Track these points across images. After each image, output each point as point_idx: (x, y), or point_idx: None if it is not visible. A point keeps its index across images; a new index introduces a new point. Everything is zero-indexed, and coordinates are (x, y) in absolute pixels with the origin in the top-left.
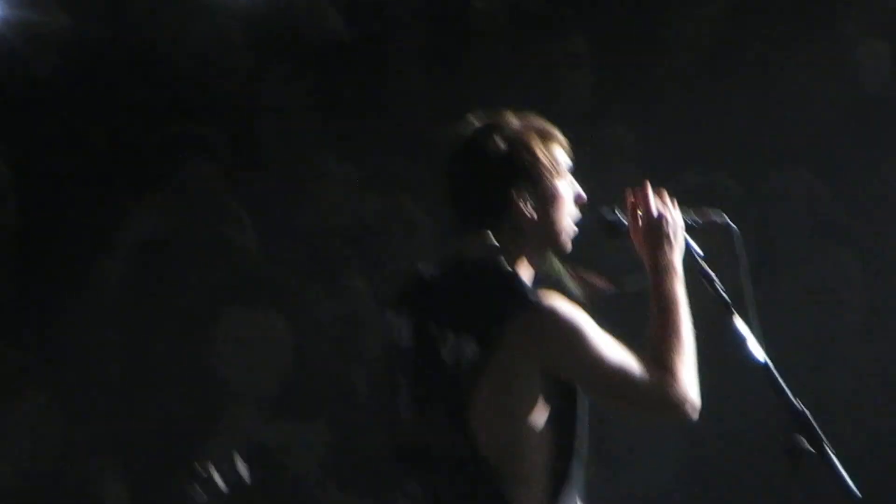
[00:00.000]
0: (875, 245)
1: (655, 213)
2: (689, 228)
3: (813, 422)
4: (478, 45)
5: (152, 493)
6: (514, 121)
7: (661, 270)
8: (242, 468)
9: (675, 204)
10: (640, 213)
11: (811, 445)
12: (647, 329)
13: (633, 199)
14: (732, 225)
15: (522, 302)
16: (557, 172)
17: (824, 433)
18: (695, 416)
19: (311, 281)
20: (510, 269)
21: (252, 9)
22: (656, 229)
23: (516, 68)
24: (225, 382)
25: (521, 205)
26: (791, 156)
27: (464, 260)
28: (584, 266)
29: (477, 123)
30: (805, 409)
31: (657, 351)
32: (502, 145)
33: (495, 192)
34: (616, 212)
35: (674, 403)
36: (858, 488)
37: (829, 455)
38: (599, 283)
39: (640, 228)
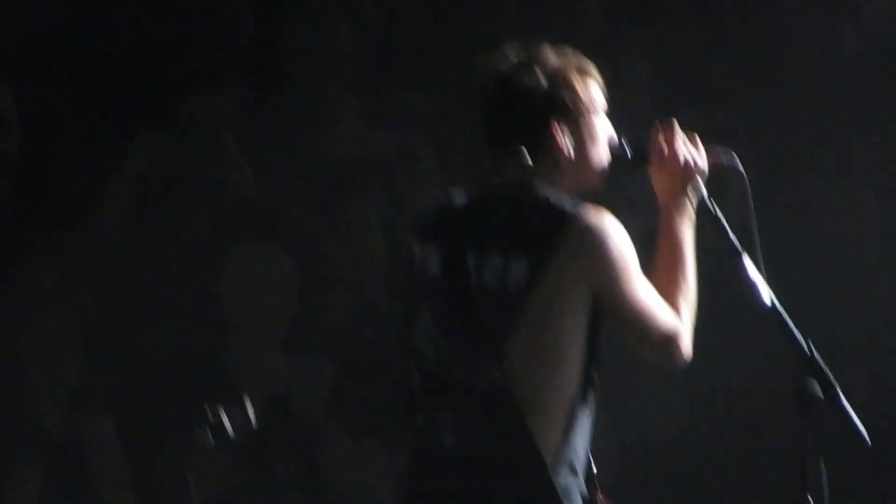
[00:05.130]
0: (891, 180)
1: (682, 154)
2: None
3: (824, 366)
4: None
5: (153, 435)
6: (552, 56)
7: (677, 212)
8: (251, 412)
9: (700, 145)
10: (664, 150)
11: (822, 391)
12: (653, 267)
13: (659, 135)
14: (741, 168)
15: (575, 218)
16: (595, 110)
17: (835, 377)
18: (685, 362)
19: (316, 216)
20: (550, 189)
21: None
22: (680, 171)
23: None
24: (231, 320)
25: (560, 141)
26: (804, 92)
27: (501, 186)
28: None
29: (514, 57)
30: (815, 353)
31: (671, 297)
32: (544, 81)
33: (535, 129)
34: (625, 144)
35: (679, 355)
36: (869, 434)
37: (840, 400)
38: None
39: (664, 167)
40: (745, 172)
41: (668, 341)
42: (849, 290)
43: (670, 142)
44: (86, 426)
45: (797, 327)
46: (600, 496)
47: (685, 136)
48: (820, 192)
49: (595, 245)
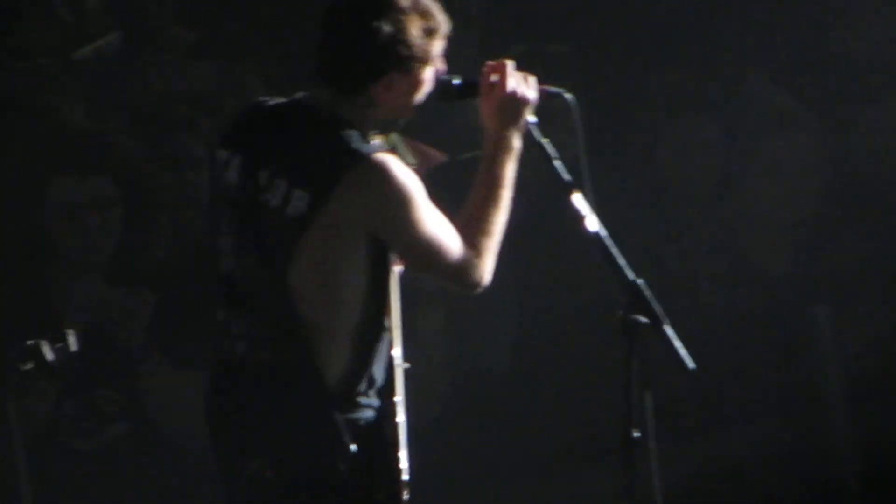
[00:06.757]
0: (735, 113)
1: (513, 91)
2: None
3: (647, 294)
4: None
5: None
6: (404, 1)
7: (502, 148)
8: (73, 341)
9: (533, 84)
10: (496, 83)
11: (646, 318)
12: (468, 195)
13: (492, 71)
14: (569, 98)
15: (359, 157)
16: (427, 64)
17: (662, 306)
18: (479, 289)
19: (143, 148)
20: (350, 128)
21: None
22: (510, 106)
23: None
24: (54, 249)
25: (383, 92)
26: (645, 24)
27: (308, 109)
28: (419, 135)
29: None
30: (639, 282)
31: (472, 228)
32: (389, 29)
33: (365, 72)
34: (456, 78)
35: (471, 283)
36: (693, 360)
37: (663, 327)
38: (433, 152)
39: (493, 101)
40: (581, 107)
41: (458, 271)
42: (685, 222)
43: (502, 76)
44: None
45: (627, 257)
46: (396, 416)
47: (520, 76)
48: (663, 126)
49: (374, 185)
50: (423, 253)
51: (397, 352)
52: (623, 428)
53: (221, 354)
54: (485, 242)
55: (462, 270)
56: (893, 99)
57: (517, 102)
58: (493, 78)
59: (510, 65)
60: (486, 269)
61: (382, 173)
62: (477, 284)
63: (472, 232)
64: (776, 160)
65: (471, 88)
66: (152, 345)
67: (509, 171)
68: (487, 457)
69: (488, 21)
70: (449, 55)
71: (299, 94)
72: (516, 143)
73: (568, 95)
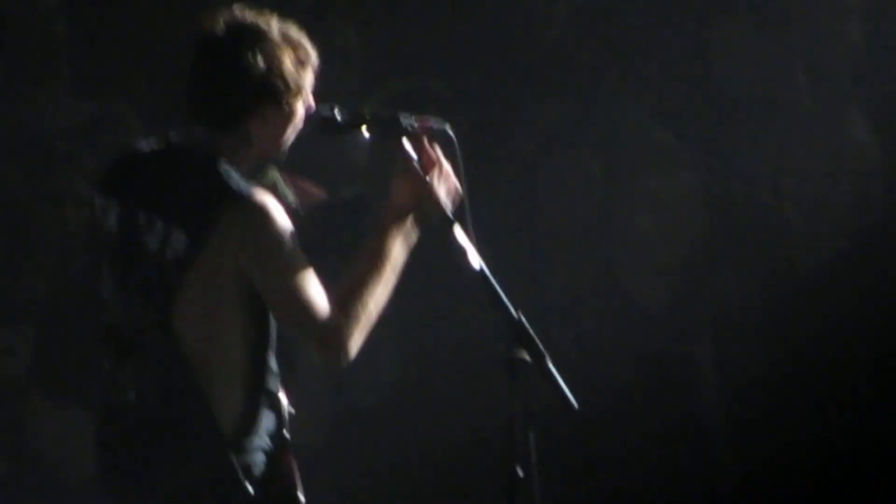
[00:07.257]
0: (616, 150)
1: (433, 188)
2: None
3: (531, 331)
4: None
5: None
6: (275, 34)
7: (399, 223)
8: None
9: (452, 180)
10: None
11: (529, 356)
12: (354, 261)
13: (428, 162)
14: (450, 132)
15: (236, 197)
16: (301, 95)
17: (543, 343)
18: (343, 365)
19: (22, 182)
20: (227, 165)
21: None
22: (422, 194)
23: None
24: None
25: (258, 122)
26: (522, 60)
27: (183, 150)
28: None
29: (239, 26)
30: (523, 319)
31: (349, 295)
32: (261, 64)
33: (237, 108)
34: (335, 110)
35: (333, 348)
36: (576, 398)
37: (546, 365)
38: (313, 189)
39: (409, 181)
40: (460, 141)
41: (321, 332)
42: (565, 257)
43: (442, 171)
44: None
45: (508, 293)
46: (290, 456)
47: (445, 176)
48: (543, 163)
49: (251, 227)
50: (289, 303)
51: (282, 393)
52: (507, 466)
53: (109, 404)
54: (358, 312)
55: (326, 333)
56: (773, 135)
57: (430, 195)
58: (413, 167)
59: (443, 165)
60: (353, 338)
61: (260, 215)
62: (338, 352)
63: (347, 298)
64: (656, 196)
65: (354, 120)
66: (33, 382)
67: (399, 245)
68: (368, 496)
69: (367, 56)
70: (329, 90)
71: (173, 135)
72: (414, 228)
73: (448, 129)
